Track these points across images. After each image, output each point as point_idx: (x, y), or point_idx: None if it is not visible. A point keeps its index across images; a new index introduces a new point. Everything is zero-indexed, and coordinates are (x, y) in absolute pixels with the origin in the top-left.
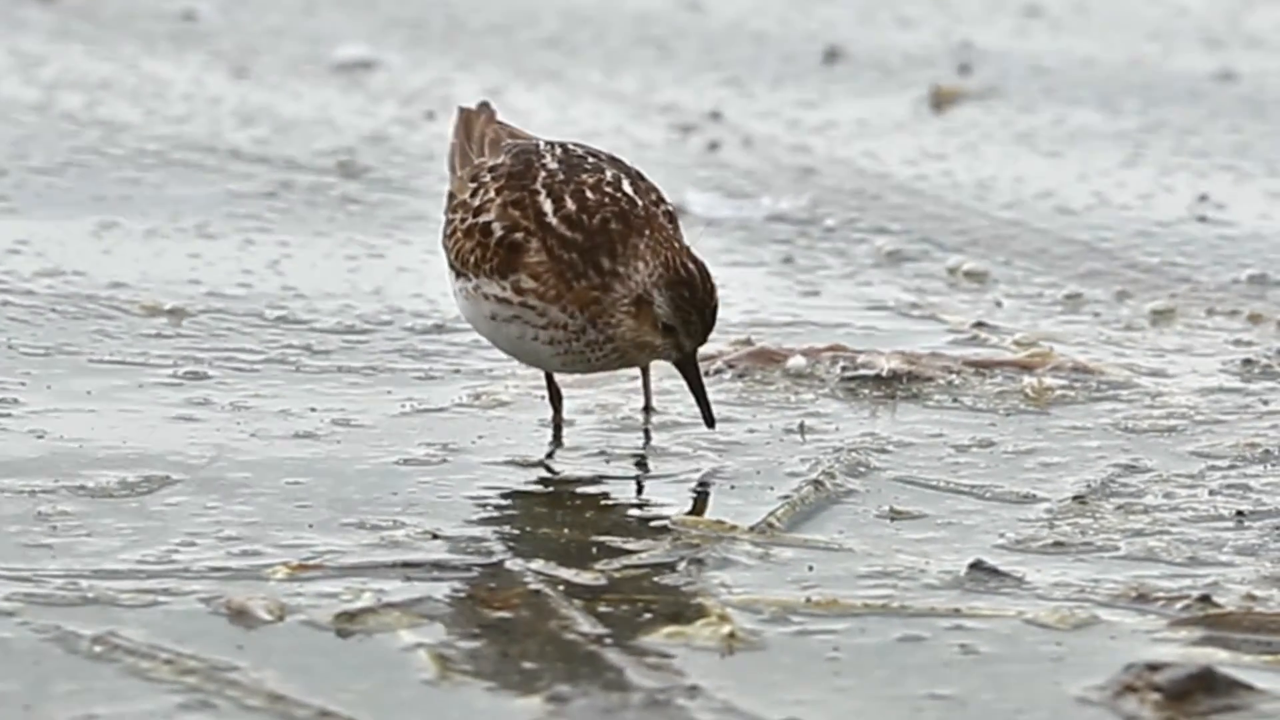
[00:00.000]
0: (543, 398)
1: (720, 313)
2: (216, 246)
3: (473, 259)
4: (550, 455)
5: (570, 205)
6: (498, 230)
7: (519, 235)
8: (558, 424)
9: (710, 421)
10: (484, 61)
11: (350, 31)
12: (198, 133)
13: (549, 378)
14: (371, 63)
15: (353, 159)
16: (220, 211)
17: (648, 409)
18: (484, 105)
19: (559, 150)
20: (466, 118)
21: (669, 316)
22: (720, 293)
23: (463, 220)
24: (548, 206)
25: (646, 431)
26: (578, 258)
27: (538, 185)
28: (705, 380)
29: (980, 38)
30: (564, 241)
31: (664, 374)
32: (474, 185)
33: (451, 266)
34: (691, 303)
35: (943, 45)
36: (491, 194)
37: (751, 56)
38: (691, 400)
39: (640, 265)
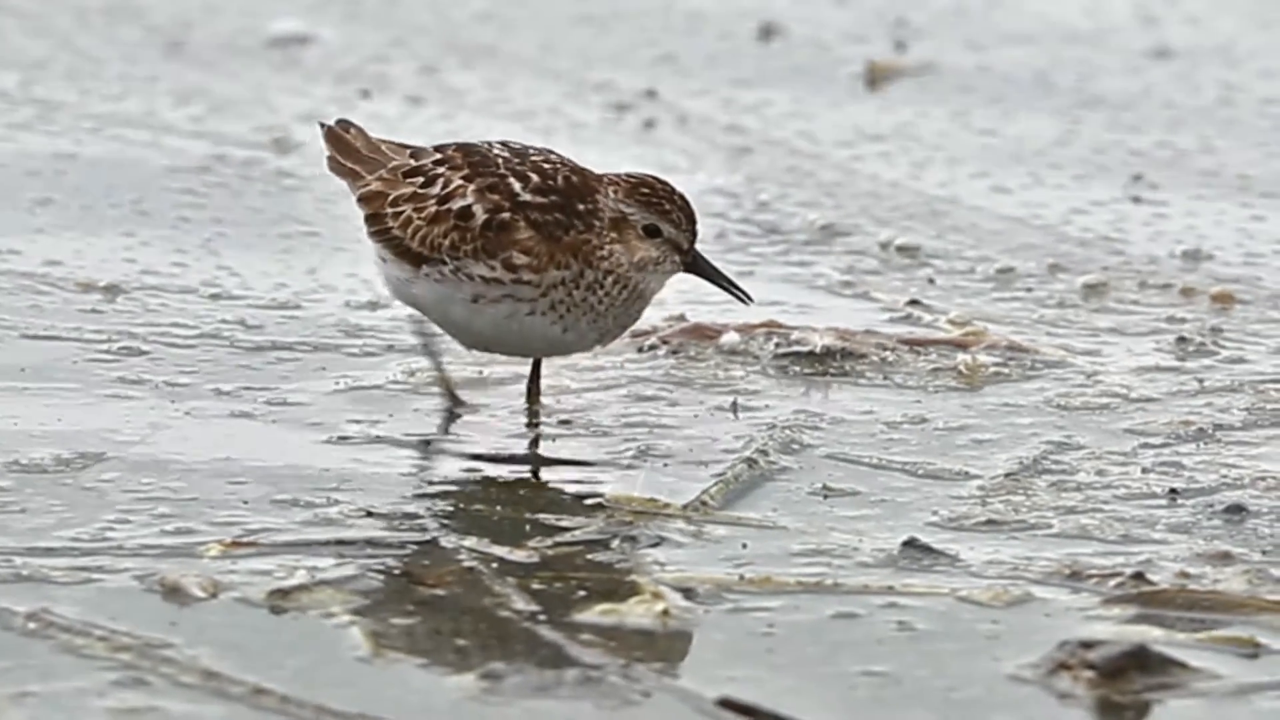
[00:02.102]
0: (480, 373)
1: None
2: (151, 223)
3: (447, 242)
4: (533, 442)
5: (534, 178)
6: (480, 213)
7: (505, 215)
8: (533, 410)
9: (746, 297)
10: (419, 37)
11: (284, 6)
12: (133, 109)
13: (534, 369)
14: (306, 38)
15: (287, 136)
16: (155, 188)
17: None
18: (347, 122)
19: (498, 143)
20: (333, 133)
21: (646, 216)
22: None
23: (419, 210)
24: (517, 186)
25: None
26: (558, 215)
27: (503, 170)
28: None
29: (916, 15)
30: (542, 209)
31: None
32: (422, 179)
33: (408, 256)
34: (657, 194)
35: (879, 22)
36: (459, 181)
37: (687, 34)
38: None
39: (600, 196)
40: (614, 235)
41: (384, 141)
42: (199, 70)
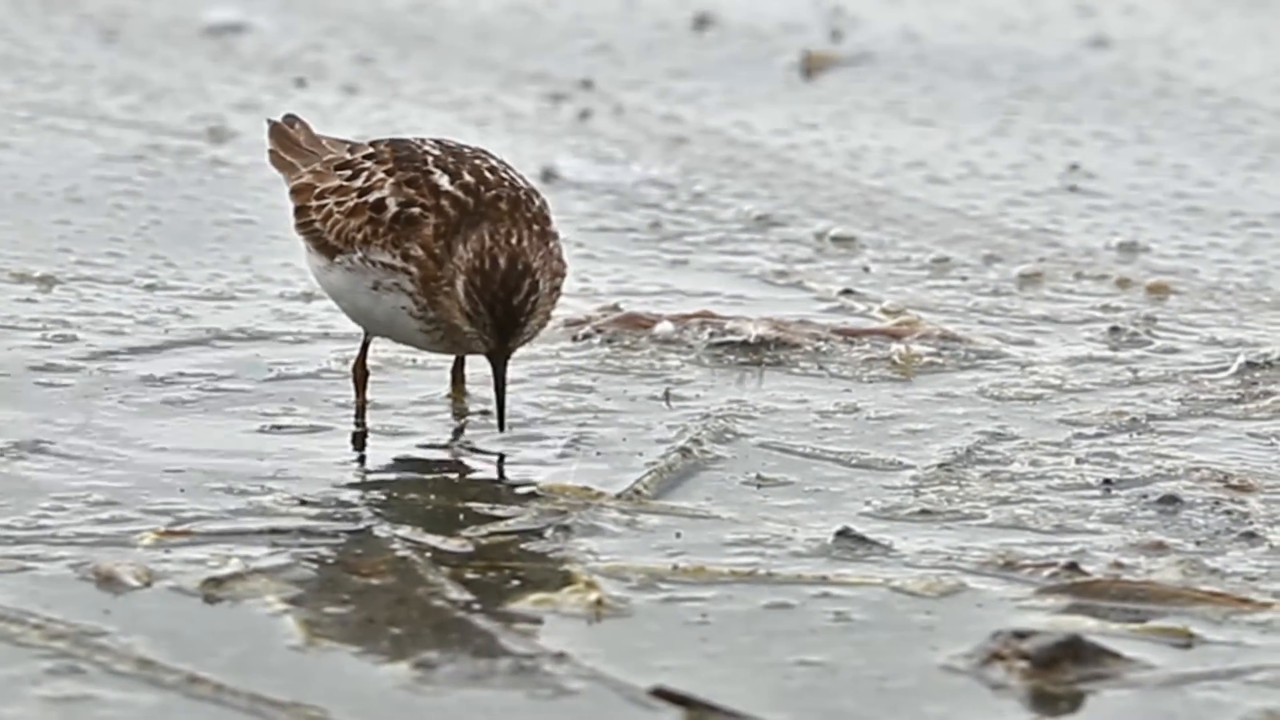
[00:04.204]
0: (414, 362)
1: (533, 319)
2: (86, 212)
3: (360, 235)
4: (459, 432)
5: (468, 178)
6: (393, 205)
7: (415, 210)
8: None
9: (500, 426)
10: (354, 26)
11: None
12: (67, 98)
13: (458, 359)
14: (241, 26)
15: (223, 125)
16: (90, 177)
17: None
18: (293, 118)
19: (432, 141)
20: (279, 128)
21: (465, 303)
22: (538, 297)
23: (340, 203)
24: (444, 181)
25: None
26: (455, 218)
27: (430, 166)
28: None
29: (852, 4)
30: (455, 202)
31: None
32: (349, 172)
33: (324, 247)
34: (481, 295)
35: (814, 12)
36: (381, 175)
37: (622, 24)
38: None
39: (461, 248)
40: (449, 290)
41: (325, 137)
42: (134, 59)
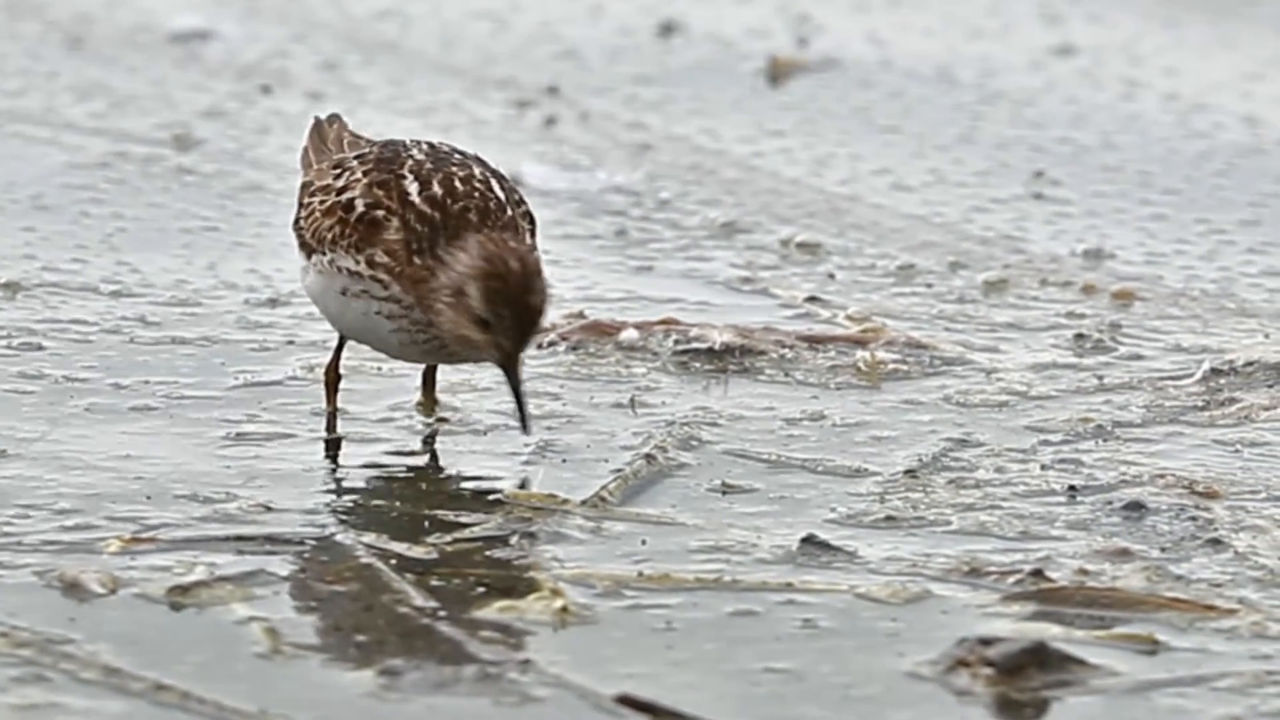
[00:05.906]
0: (379, 369)
1: (546, 316)
2: (51, 219)
3: (330, 235)
4: (429, 438)
5: (437, 189)
6: (359, 207)
7: (380, 213)
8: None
9: (525, 428)
10: (319, 33)
11: (185, 2)
12: (33, 106)
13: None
14: (207, 34)
15: (188, 132)
16: (55, 184)
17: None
18: (335, 116)
19: (425, 145)
20: (319, 126)
21: (481, 309)
22: (549, 294)
23: (322, 202)
24: (413, 189)
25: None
26: (426, 233)
27: (404, 171)
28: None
29: (818, 11)
30: (421, 217)
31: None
32: (337, 170)
33: (304, 246)
34: (503, 296)
35: (780, 18)
36: (358, 175)
37: (588, 31)
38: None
39: (462, 256)
40: (451, 300)
41: (351, 137)
42: (99, 66)
